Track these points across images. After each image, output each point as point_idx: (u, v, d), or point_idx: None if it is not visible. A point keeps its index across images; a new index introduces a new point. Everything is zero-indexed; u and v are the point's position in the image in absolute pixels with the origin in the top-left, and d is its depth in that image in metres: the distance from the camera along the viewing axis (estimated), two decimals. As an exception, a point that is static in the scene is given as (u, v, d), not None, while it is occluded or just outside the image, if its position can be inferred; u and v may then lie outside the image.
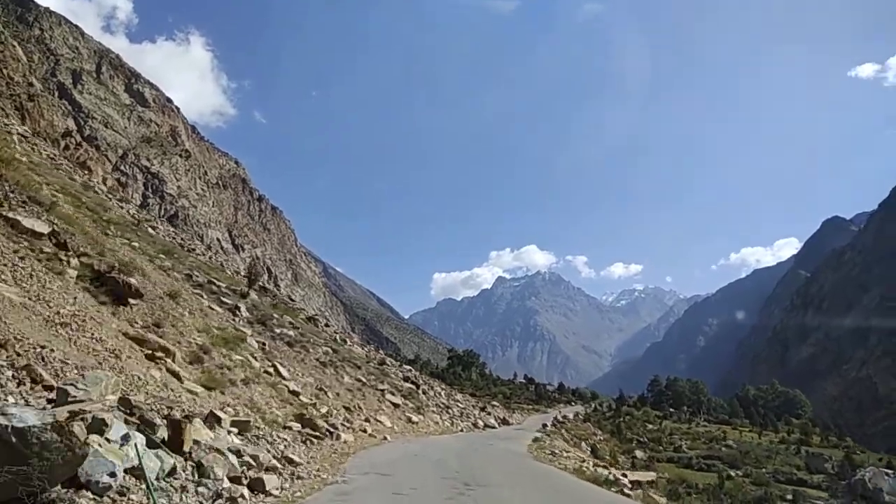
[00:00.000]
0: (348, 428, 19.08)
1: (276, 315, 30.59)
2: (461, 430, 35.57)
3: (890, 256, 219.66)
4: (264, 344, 22.22)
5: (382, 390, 30.62)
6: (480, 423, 43.25)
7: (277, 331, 26.94)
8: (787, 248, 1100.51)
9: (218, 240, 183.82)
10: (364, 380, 30.40)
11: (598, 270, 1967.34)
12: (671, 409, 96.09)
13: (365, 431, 20.39)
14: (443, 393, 49.36)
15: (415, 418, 30.08)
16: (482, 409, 53.35)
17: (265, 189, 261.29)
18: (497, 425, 46.42)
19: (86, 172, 43.67)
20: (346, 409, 21.99)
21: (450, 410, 41.18)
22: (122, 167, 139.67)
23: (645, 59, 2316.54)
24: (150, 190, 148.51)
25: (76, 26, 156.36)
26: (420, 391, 39.90)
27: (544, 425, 48.74)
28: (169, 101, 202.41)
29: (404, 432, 25.97)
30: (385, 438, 21.20)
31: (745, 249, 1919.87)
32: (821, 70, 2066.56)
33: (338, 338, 42.79)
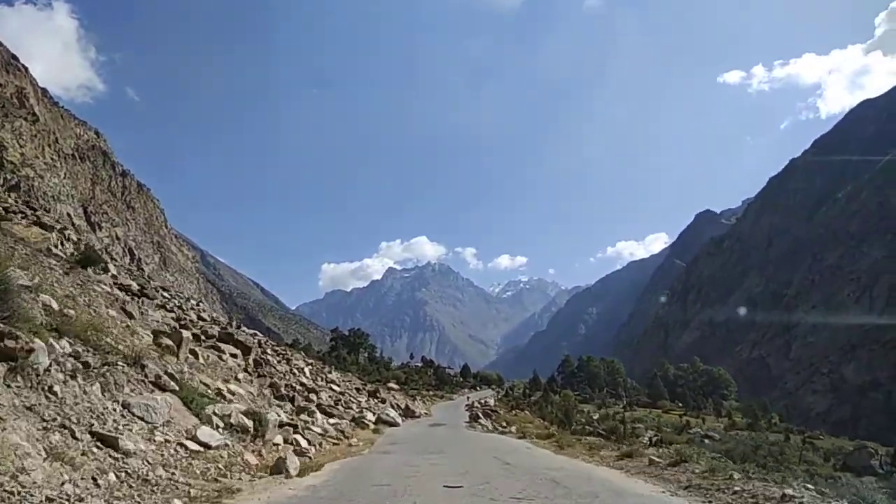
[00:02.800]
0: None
1: None
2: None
3: (766, 244, 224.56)
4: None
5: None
6: (370, 416, 24.03)
7: None
8: (657, 242, 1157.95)
9: (69, 215, 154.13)
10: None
11: (486, 262, 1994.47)
12: (590, 392, 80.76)
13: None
14: (307, 370, 29.48)
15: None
16: (373, 396, 33.98)
17: (139, 173, 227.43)
18: (399, 419, 27.56)
19: None
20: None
21: (310, 399, 21.69)
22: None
23: (562, 57, 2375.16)
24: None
25: None
26: (248, 360, 19.98)
27: (475, 416, 30.89)
28: (14, 58, 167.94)
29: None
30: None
31: (620, 243, 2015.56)
32: (692, 75, 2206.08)
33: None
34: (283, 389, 21.08)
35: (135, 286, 21.32)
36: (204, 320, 24.26)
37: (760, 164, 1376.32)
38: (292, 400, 20.05)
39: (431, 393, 72.40)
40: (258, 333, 32.91)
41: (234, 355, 19.23)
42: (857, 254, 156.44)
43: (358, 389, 34.31)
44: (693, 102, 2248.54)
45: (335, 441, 14.92)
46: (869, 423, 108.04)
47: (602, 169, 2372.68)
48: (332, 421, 17.00)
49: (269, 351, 28.64)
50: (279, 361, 27.46)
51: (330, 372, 34.86)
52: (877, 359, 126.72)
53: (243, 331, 30.48)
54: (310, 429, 13.51)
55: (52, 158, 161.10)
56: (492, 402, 53.45)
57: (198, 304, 32.54)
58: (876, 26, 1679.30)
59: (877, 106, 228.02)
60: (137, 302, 18.21)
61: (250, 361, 20.29)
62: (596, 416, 49.52)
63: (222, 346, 19.19)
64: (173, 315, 20.92)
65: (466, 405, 50.62)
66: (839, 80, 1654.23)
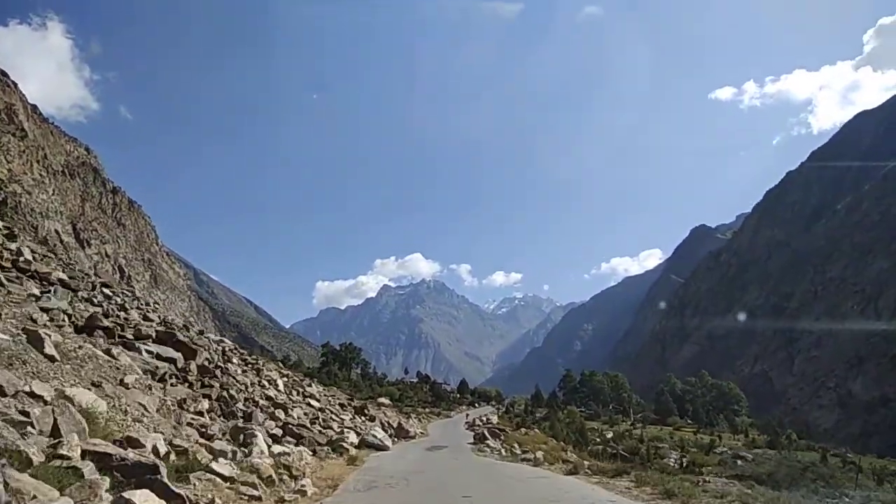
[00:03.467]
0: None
1: None
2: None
3: (766, 257, 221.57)
4: None
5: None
6: (353, 438, 19.29)
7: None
8: (652, 258, 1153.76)
9: (57, 232, 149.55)
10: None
11: (481, 279, 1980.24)
12: (595, 408, 75.73)
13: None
14: (281, 382, 24.72)
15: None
16: (360, 414, 29.12)
17: (132, 191, 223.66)
18: (388, 441, 22.75)
19: None
20: None
21: (276, 417, 16.89)
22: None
23: (549, 70, 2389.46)
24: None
25: None
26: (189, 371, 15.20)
27: (481, 437, 26.21)
28: (4, 74, 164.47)
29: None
30: None
31: (614, 259, 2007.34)
32: (683, 91, 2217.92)
33: None
34: (240, 404, 16.33)
35: (58, 275, 16.70)
36: (150, 321, 19.46)
37: (754, 179, 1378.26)
38: (248, 417, 15.27)
39: (427, 410, 67.36)
40: (225, 341, 28.15)
41: (168, 359, 14.47)
42: (860, 265, 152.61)
43: (343, 406, 29.57)
44: (685, 118, 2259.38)
45: (254, 492, 8.26)
46: (881, 441, 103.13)
47: (595, 185, 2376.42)
48: (278, 450, 12.16)
49: (234, 360, 23.83)
50: (245, 371, 22.67)
51: (310, 385, 30.05)
52: (885, 373, 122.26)
53: (207, 337, 25.70)
54: (212, 470, 8.33)
55: (40, 175, 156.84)
56: (494, 419, 48.62)
57: (156, 306, 27.71)
58: (864, 43, 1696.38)
59: (873, 117, 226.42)
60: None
61: (192, 367, 15.51)
62: (609, 435, 44.56)
63: (154, 347, 14.44)
64: (100, 309, 16.13)
65: (467, 423, 45.84)
66: (830, 96, 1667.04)
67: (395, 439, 28.53)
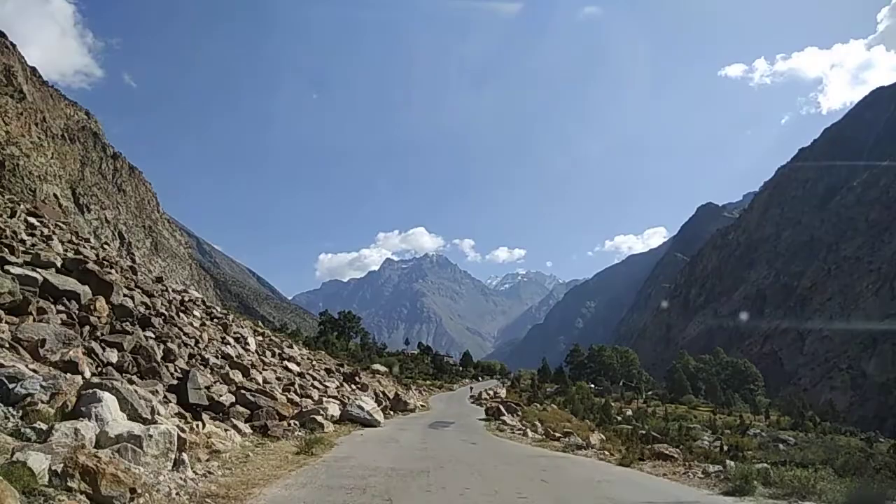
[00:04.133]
0: None
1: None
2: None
3: (775, 236, 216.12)
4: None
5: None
6: (334, 410, 14.55)
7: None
8: (656, 236, 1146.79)
9: (55, 196, 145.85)
10: None
11: (484, 254, 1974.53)
12: (606, 384, 71.44)
13: None
14: (253, 340, 20.21)
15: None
16: (350, 381, 24.60)
17: (136, 159, 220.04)
18: (379, 416, 18.03)
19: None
20: None
21: (230, 379, 11.99)
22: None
23: (559, 56, 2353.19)
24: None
25: None
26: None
27: (495, 411, 21.77)
28: (2, 35, 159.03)
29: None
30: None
31: (618, 237, 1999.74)
32: (693, 68, 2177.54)
33: None
34: (180, 361, 11.71)
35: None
36: (79, 255, 14.76)
37: (762, 158, 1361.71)
38: (184, 378, 10.69)
39: (428, 382, 63.20)
40: (189, 291, 23.62)
41: (66, 293, 9.84)
42: (876, 244, 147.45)
43: (329, 371, 25.16)
44: (693, 96, 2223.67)
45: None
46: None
47: (601, 162, 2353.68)
48: (160, 429, 7.31)
49: (195, 311, 19.25)
50: (204, 325, 18.08)
51: (291, 346, 25.56)
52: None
53: (165, 285, 21.06)
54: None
55: (38, 137, 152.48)
56: (502, 392, 44.36)
57: (106, 247, 23.07)
58: (878, 21, 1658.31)
59: (889, 95, 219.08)
60: None
61: (100, 307, 10.86)
62: (629, 413, 40.10)
63: (38, 274, 9.77)
64: None
65: (472, 396, 41.52)
66: (841, 75, 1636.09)
67: (392, 412, 24.18)
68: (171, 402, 10.01)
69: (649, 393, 71.99)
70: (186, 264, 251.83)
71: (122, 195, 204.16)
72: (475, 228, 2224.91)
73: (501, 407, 24.40)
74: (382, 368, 40.64)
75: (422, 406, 31.35)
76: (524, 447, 16.60)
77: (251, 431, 11.34)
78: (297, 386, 17.67)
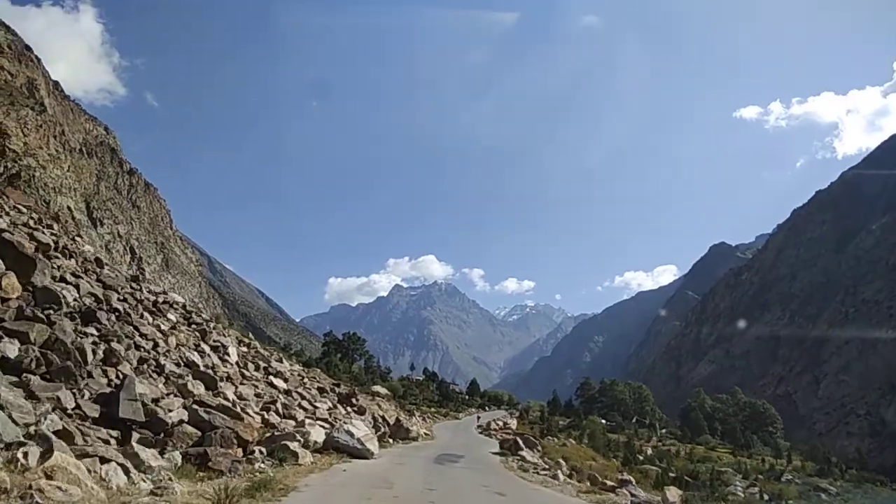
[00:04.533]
0: None
1: None
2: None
3: (790, 277, 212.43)
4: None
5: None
6: (316, 435, 11.57)
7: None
8: (666, 274, 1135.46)
9: (69, 208, 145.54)
10: None
11: (493, 284, 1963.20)
12: (619, 420, 67.79)
13: None
14: (234, 350, 17.47)
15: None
16: (345, 403, 21.72)
17: (154, 178, 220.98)
18: (373, 446, 14.93)
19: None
20: None
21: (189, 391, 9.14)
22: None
23: (566, 82, 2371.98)
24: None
25: None
26: None
27: (512, 445, 18.82)
28: (28, 48, 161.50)
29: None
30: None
31: (628, 273, 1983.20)
32: (707, 108, 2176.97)
33: None
34: (125, 366, 9.03)
35: None
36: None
37: (776, 201, 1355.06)
38: (119, 386, 7.99)
39: (433, 410, 59.91)
40: (171, 294, 21.02)
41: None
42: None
43: (322, 391, 22.39)
44: (708, 135, 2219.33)
45: None
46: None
47: (612, 197, 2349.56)
48: None
49: (169, 315, 16.58)
50: (175, 329, 15.39)
51: (280, 361, 22.78)
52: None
53: (135, 282, 18.44)
54: None
55: (56, 150, 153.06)
56: (513, 423, 41.17)
57: (52, 225, 20.56)
58: (894, 70, 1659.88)
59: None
60: None
61: (12, 286, 8.26)
62: (649, 452, 36.76)
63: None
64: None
65: (479, 426, 38.41)
66: (857, 121, 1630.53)
67: (390, 440, 21.25)
68: (84, 414, 7.34)
69: (663, 431, 68.20)
70: (196, 282, 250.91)
71: (137, 211, 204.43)
72: (485, 258, 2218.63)
73: (519, 440, 21.35)
74: (383, 391, 37.44)
75: (425, 434, 28.42)
76: (574, 501, 12.93)
77: (169, 464, 8.38)
78: (279, 405, 14.95)
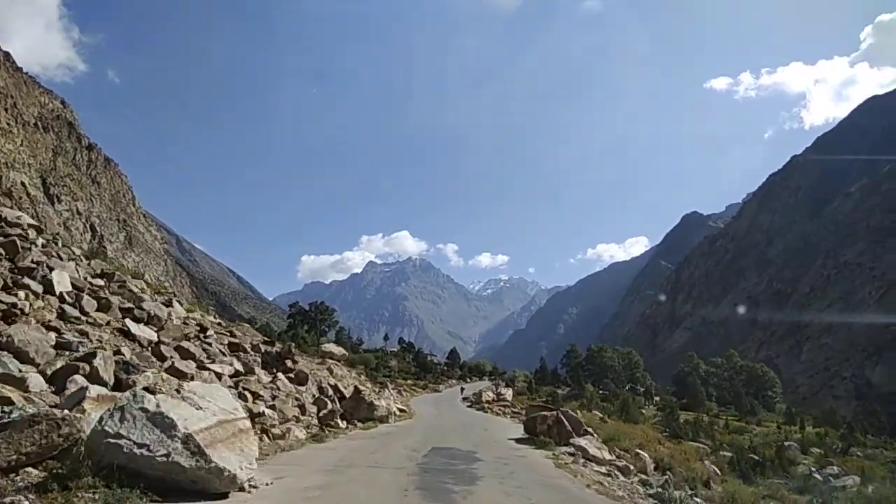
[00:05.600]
0: None
1: None
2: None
3: (766, 243, 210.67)
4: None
5: None
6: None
7: None
8: (638, 245, 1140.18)
9: (23, 184, 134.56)
10: None
11: (467, 259, 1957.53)
12: (614, 388, 61.46)
13: None
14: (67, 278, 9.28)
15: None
16: (272, 367, 13.96)
17: (119, 157, 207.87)
18: (230, 468, 6.80)
19: None
20: None
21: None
22: None
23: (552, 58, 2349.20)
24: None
25: None
26: None
27: (548, 428, 11.48)
28: None
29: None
30: None
31: (600, 245, 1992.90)
32: (679, 80, 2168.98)
33: None
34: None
35: None
36: None
37: (744, 172, 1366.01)
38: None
39: (410, 382, 52.64)
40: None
41: None
42: (878, 249, 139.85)
43: (238, 349, 14.68)
44: (678, 108, 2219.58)
45: None
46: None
47: (583, 172, 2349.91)
48: None
49: None
50: None
51: (169, 304, 14.84)
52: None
53: None
54: None
55: (7, 123, 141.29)
56: (507, 394, 34.08)
57: None
58: (861, 40, 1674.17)
59: (882, 104, 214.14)
60: None
61: None
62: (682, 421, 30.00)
63: None
64: None
65: (465, 399, 31.33)
66: (825, 91, 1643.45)
67: (343, 423, 13.77)
68: None
69: (656, 399, 62.17)
70: (162, 260, 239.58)
71: (97, 187, 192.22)
72: (459, 233, 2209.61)
73: (565, 420, 13.66)
74: (338, 350, 29.01)
75: (400, 412, 21.15)
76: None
77: None
78: (99, 362, 7.40)
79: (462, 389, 44.09)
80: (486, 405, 26.09)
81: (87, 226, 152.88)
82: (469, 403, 29.81)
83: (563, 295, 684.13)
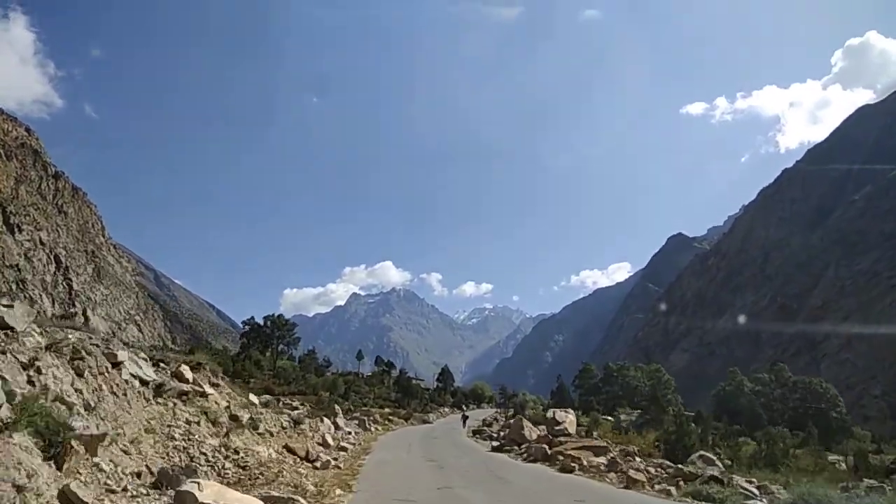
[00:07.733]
0: None
1: None
2: None
3: (762, 258, 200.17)
4: None
5: None
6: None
7: None
8: (621, 271, 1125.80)
9: None
10: None
11: (451, 288, 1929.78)
12: (653, 411, 46.93)
13: None
14: None
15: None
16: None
17: (98, 192, 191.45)
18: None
19: None
20: None
21: None
22: None
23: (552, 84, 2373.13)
24: None
25: None
26: None
27: None
28: None
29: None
30: None
31: (584, 272, 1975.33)
32: (656, 106, 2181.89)
33: None
34: None
35: None
36: None
37: (723, 195, 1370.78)
38: None
39: (388, 411, 37.64)
40: None
41: None
42: (895, 256, 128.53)
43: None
44: (656, 133, 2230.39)
45: None
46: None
47: (565, 199, 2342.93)
48: None
49: None
50: None
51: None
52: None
53: None
54: None
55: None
56: (567, 423, 19.79)
57: None
58: (833, 64, 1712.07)
59: (873, 112, 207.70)
60: None
61: None
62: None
63: None
64: None
65: (479, 433, 16.80)
66: (799, 114, 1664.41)
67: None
68: None
69: (716, 429, 48.02)
70: (133, 293, 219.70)
71: (63, 217, 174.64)
72: (442, 263, 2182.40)
73: None
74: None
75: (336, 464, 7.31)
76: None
77: None
78: None
79: (465, 419, 29.86)
80: (527, 449, 11.94)
81: (51, 256, 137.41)
82: (494, 445, 15.77)
83: (549, 322, 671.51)
